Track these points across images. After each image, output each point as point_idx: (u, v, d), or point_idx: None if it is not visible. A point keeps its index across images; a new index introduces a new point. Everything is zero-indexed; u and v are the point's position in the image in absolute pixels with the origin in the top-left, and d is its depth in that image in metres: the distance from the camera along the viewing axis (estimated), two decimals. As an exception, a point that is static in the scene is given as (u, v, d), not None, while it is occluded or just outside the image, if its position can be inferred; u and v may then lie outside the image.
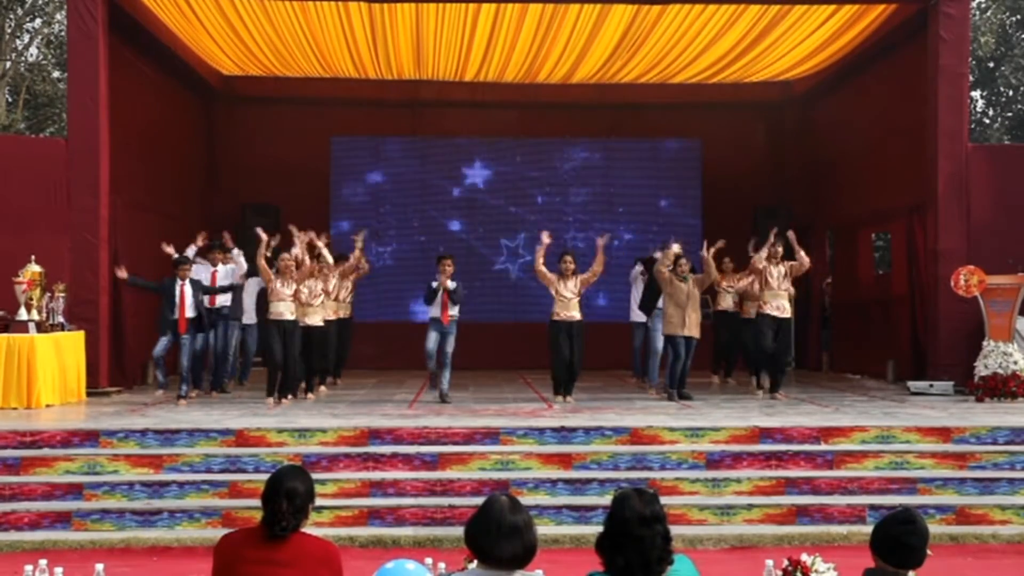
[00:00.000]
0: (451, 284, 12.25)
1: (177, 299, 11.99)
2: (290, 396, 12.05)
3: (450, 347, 12.27)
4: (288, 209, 17.79)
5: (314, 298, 12.37)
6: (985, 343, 12.68)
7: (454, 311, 12.30)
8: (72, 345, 12.09)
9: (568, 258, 12.29)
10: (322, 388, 13.46)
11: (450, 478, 8.98)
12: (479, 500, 3.82)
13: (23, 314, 11.59)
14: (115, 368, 13.41)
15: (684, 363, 12.43)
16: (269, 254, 12.34)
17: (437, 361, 12.43)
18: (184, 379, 12.03)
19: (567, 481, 8.99)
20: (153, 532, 8.32)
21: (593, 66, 17.62)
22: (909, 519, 3.89)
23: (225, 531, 4.76)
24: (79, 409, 11.45)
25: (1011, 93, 28.38)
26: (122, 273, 12.41)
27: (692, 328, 12.44)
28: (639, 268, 14.46)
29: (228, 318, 13.27)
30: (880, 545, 3.88)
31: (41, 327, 11.65)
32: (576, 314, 12.14)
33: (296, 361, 12.03)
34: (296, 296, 12.01)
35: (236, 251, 13.41)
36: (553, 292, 12.15)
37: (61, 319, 12.07)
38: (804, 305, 17.87)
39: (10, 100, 28.27)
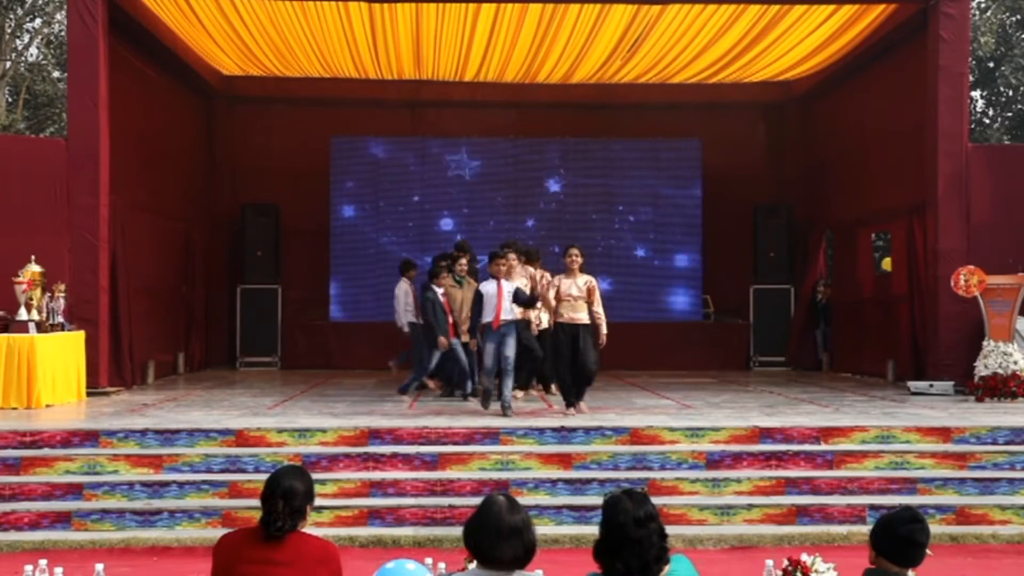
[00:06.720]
0: (509, 285, 10.78)
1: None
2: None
3: (510, 351, 10.71)
4: (288, 209, 17.86)
5: None
6: (985, 343, 12.67)
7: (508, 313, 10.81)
8: (72, 345, 12.08)
9: (574, 252, 10.85)
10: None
11: (450, 478, 8.98)
12: (479, 500, 3.81)
13: (23, 314, 11.58)
14: (115, 368, 13.41)
15: None
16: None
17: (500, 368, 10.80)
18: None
19: (567, 481, 8.98)
20: (153, 532, 8.31)
21: (593, 66, 17.62)
22: (916, 518, 3.89)
23: (225, 531, 4.76)
24: (79, 409, 11.44)
25: (1011, 93, 28.38)
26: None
27: None
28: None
29: None
30: (886, 545, 3.86)
31: (41, 327, 11.64)
32: (584, 317, 10.78)
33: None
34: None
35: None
36: (553, 295, 10.84)
37: (61, 319, 12.06)
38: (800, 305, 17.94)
39: (10, 100, 28.27)
